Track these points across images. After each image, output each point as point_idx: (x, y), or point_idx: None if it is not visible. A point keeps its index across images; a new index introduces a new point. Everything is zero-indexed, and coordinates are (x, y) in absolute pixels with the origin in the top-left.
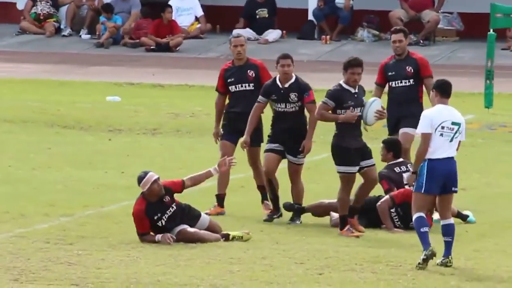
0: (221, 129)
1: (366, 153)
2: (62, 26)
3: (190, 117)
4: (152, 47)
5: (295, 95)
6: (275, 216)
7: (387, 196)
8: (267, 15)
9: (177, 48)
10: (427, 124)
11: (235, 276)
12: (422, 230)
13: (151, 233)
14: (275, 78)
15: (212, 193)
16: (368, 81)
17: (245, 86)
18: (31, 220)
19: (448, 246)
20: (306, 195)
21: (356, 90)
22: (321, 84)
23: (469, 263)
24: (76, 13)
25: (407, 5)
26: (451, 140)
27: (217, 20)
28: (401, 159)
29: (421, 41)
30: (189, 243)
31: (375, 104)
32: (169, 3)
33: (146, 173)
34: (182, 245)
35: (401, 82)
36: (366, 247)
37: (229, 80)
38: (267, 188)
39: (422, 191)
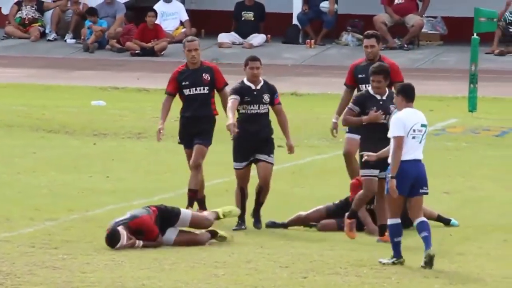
0: (178, 137)
1: (385, 164)
2: (47, 31)
3: (174, 121)
4: (137, 52)
5: (267, 96)
6: (243, 227)
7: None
8: (252, 18)
9: (162, 53)
10: (400, 127)
11: (220, 280)
12: (395, 240)
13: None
14: (242, 81)
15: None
16: None
17: (200, 90)
18: (16, 224)
19: (427, 240)
20: (291, 199)
21: (384, 98)
22: (306, 88)
23: (453, 266)
24: (61, 18)
25: (391, 10)
26: (420, 142)
27: (202, 24)
28: None
29: (405, 45)
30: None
31: None
32: (154, 7)
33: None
34: (167, 249)
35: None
36: (351, 250)
37: (183, 83)
38: (240, 197)
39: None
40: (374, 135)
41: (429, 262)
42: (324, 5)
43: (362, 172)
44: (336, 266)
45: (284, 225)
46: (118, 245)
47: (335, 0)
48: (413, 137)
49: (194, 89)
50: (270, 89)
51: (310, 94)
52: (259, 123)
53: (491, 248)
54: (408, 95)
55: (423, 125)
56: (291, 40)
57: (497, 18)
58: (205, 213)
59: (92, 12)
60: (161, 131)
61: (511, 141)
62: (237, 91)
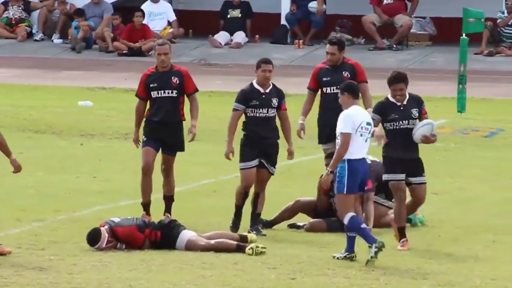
0: (143, 136)
1: (416, 168)
2: (34, 31)
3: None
4: (124, 52)
5: (276, 100)
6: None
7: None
8: (240, 15)
9: (150, 53)
10: (349, 124)
11: (208, 281)
12: (363, 226)
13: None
14: (251, 83)
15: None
16: None
17: (168, 93)
18: (2, 225)
19: (355, 238)
20: (279, 199)
21: (404, 103)
22: (294, 88)
23: (442, 267)
24: (48, 18)
25: (380, 10)
26: (366, 141)
27: (189, 24)
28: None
29: (394, 46)
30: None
31: (425, 128)
32: (142, 7)
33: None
34: (154, 251)
35: (337, 88)
36: (339, 252)
37: (151, 86)
38: (241, 200)
39: (345, 191)
40: (396, 140)
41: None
42: (313, 5)
43: (385, 177)
44: (324, 268)
45: (271, 223)
46: (96, 246)
47: (324, 0)
48: (361, 135)
49: (162, 91)
50: (279, 94)
51: (299, 94)
52: (267, 127)
53: (480, 249)
54: (354, 92)
55: (368, 123)
56: (280, 41)
57: (483, 18)
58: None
59: (79, 13)
60: (137, 142)
61: (500, 141)
62: (243, 96)
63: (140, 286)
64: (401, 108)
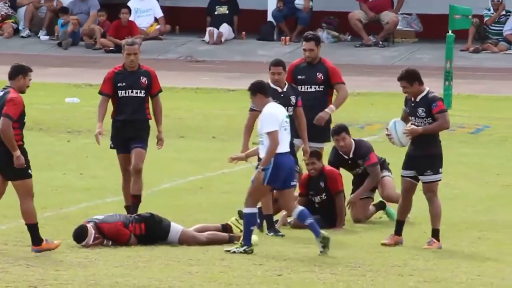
0: (110, 142)
1: (422, 166)
2: (20, 27)
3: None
4: (111, 48)
5: (294, 97)
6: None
7: (340, 194)
8: (227, 11)
9: None
10: (274, 121)
11: (194, 278)
12: (251, 228)
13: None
14: (268, 83)
15: (167, 195)
16: None
17: (136, 93)
18: None
19: (314, 226)
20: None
21: (417, 100)
22: None
23: (428, 264)
24: (34, 14)
25: (366, 6)
26: (288, 134)
27: (176, 21)
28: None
29: (380, 42)
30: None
31: (398, 126)
32: (128, 4)
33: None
34: (141, 247)
35: (311, 88)
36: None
37: (119, 85)
38: (268, 205)
39: (265, 183)
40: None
41: (326, 245)
42: (299, 2)
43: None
44: (311, 264)
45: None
46: (83, 242)
47: None
48: (285, 129)
49: (130, 91)
50: (296, 92)
51: None
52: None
53: (466, 245)
54: (265, 91)
55: (287, 116)
56: (266, 37)
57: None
58: (205, 233)
59: (64, 11)
60: (100, 134)
61: (486, 138)
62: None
63: (127, 283)
64: (412, 104)
